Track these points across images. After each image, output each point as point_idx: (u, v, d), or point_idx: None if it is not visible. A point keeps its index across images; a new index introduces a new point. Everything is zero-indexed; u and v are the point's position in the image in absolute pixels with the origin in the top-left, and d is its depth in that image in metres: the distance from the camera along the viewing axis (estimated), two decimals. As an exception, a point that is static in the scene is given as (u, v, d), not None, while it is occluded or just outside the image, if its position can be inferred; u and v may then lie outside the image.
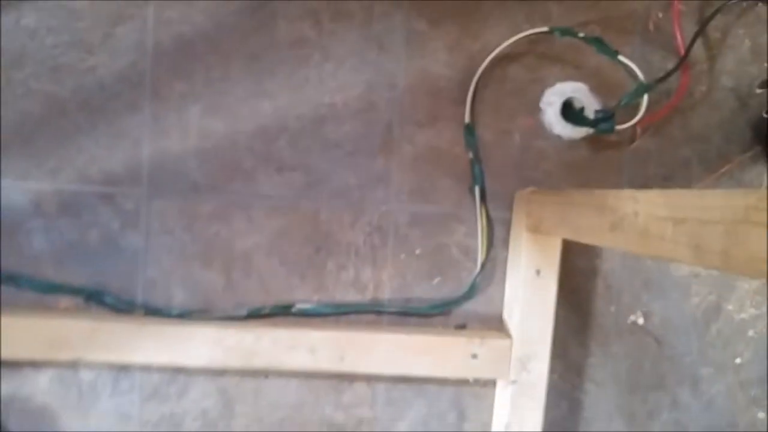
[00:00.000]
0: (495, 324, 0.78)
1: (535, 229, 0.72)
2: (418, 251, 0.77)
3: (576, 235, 0.60)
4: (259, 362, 0.71)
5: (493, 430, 0.77)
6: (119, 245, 0.74)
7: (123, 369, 0.75)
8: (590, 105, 0.77)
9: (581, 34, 0.75)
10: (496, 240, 0.78)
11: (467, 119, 0.77)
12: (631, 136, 0.79)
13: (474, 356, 0.73)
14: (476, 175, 0.77)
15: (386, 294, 0.77)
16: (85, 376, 0.75)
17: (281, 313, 0.75)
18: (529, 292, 0.73)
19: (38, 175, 0.74)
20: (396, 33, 0.77)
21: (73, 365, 0.74)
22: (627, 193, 0.50)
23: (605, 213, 0.52)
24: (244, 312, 0.74)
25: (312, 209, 0.76)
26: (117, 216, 0.74)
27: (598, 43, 0.75)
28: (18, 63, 0.72)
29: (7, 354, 0.69)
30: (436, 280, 0.78)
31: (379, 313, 0.77)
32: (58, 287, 0.74)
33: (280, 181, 0.76)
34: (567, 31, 0.75)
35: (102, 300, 0.74)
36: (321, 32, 0.76)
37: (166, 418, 0.76)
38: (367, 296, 0.77)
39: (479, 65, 0.77)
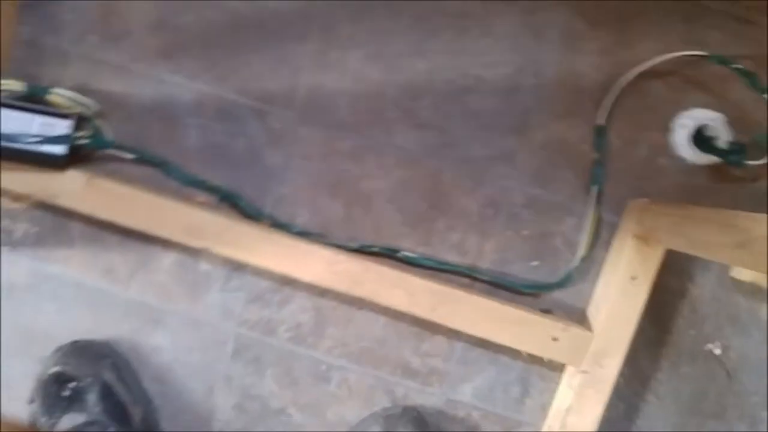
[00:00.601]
0: (577, 317, 0.82)
1: (642, 238, 0.75)
2: (525, 232, 0.82)
3: (692, 248, 0.64)
4: (360, 291, 0.77)
5: (552, 411, 0.82)
6: (261, 158, 0.82)
7: (238, 268, 0.83)
8: (723, 135, 0.79)
9: (737, 66, 0.77)
10: (600, 240, 0.81)
11: (601, 121, 0.80)
12: (755, 174, 0.81)
13: (555, 339, 0.77)
14: (597, 176, 0.80)
15: (485, 264, 0.82)
16: (203, 266, 0.83)
17: (387, 254, 0.81)
18: (620, 295, 0.76)
19: (205, 79, 0.82)
20: (555, 26, 0.81)
21: (197, 254, 0.82)
22: (760, 217, 0.53)
23: (733, 232, 0.55)
24: (355, 245, 0.80)
25: (437, 169, 0.81)
26: (265, 132, 0.81)
27: (751, 77, 0.77)
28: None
29: (147, 227, 0.78)
30: (534, 263, 0.82)
31: (473, 279, 0.82)
32: (200, 182, 0.82)
33: (415, 136, 0.81)
34: (723, 60, 0.77)
35: (235, 202, 0.81)
36: (486, 10, 0.80)
37: (263, 323, 0.83)
38: (466, 261, 0.82)
39: (625, 74, 0.80)
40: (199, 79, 0.82)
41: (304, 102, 0.81)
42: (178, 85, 0.82)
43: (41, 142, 0.76)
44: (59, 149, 0.76)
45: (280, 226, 0.81)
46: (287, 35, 0.81)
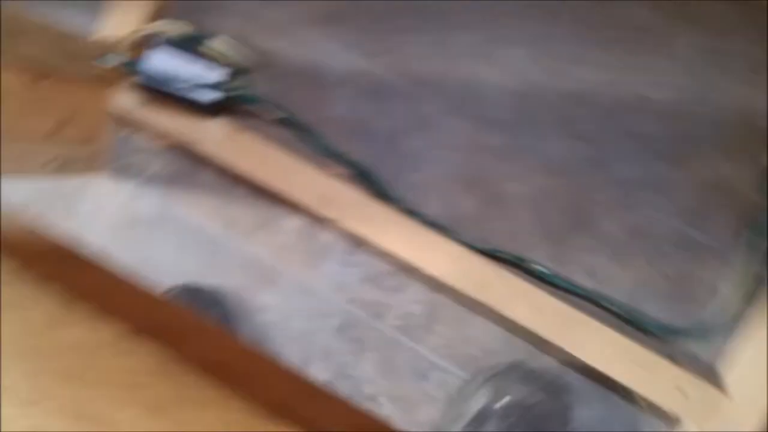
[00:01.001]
0: (704, 371, 0.75)
1: (802, 302, 0.68)
2: (667, 270, 0.76)
3: None
4: (482, 295, 0.73)
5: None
6: (402, 141, 0.79)
7: (359, 245, 0.81)
8: None
9: None
10: (749, 294, 0.74)
11: (775, 167, 0.73)
12: None
13: (681, 391, 0.71)
14: (762, 226, 0.73)
15: (615, 293, 0.77)
16: (326, 237, 0.82)
17: (516, 263, 0.77)
18: (764, 359, 0.69)
19: (360, 52, 0.80)
20: (740, 56, 0.74)
21: (323, 223, 0.81)
22: None
23: None
24: (485, 246, 0.77)
25: (584, 184, 0.76)
26: (412, 115, 0.79)
27: None
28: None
29: (280, 188, 0.77)
30: (670, 304, 0.76)
31: (600, 306, 0.77)
32: (338, 154, 0.80)
33: (567, 146, 0.76)
34: None
35: (370, 181, 0.79)
36: (669, 27, 0.74)
37: (373, 305, 0.81)
38: (596, 285, 0.77)
39: (813, 121, 0.72)
40: (354, 51, 0.80)
41: (457, 92, 0.78)
42: (332, 53, 0.80)
43: (195, 87, 0.76)
44: (210, 96, 0.76)
45: (410, 212, 0.78)
46: (450, 22, 0.78)
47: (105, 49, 0.73)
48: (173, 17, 0.79)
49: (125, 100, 0.78)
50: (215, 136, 0.78)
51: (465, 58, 0.77)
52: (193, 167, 0.83)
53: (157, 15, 0.78)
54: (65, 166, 0.75)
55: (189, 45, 0.78)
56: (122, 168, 0.84)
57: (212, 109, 0.77)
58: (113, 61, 0.73)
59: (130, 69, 0.74)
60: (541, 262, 0.77)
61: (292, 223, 0.82)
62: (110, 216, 0.85)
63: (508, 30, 0.76)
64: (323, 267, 0.82)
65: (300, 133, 0.80)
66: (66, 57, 0.67)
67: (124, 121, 0.82)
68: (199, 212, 0.84)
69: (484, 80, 0.77)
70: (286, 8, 0.80)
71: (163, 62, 0.75)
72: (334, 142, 0.80)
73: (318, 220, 0.80)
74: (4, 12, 0.56)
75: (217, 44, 0.78)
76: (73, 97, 0.71)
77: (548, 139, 0.77)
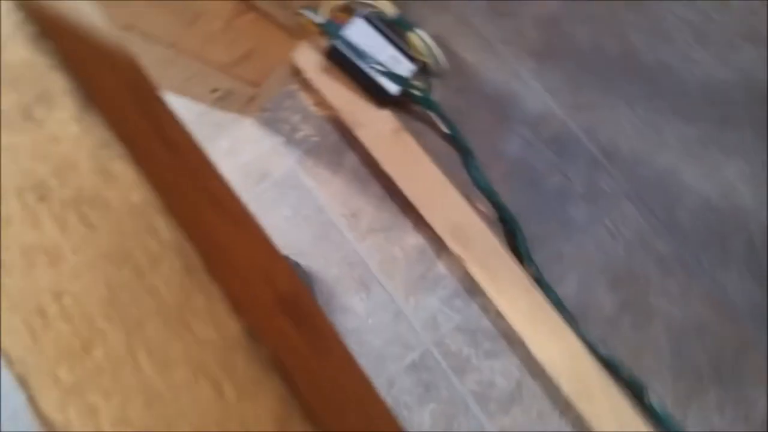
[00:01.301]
0: None
1: None
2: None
3: None
4: (579, 403, 0.65)
5: None
6: (565, 204, 0.71)
7: (472, 292, 0.74)
8: None
9: None
10: None
11: None
12: None
13: None
14: None
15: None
16: (440, 267, 0.75)
17: (632, 386, 0.67)
18: None
19: (561, 98, 0.73)
20: None
21: (444, 254, 0.75)
22: None
23: None
24: (607, 354, 0.68)
25: (752, 341, 0.66)
26: (587, 183, 0.71)
27: None
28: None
29: (418, 202, 0.71)
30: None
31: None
32: (491, 193, 0.73)
33: (749, 290, 0.67)
34: None
35: (513, 232, 0.72)
36: None
37: (458, 358, 0.74)
38: (710, 445, 0.67)
39: None
40: (553, 95, 0.73)
41: (646, 179, 0.69)
42: (529, 89, 0.73)
43: (381, 72, 0.71)
44: (392, 87, 0.72)
45: (541, 282, 0.70)
46: (671, 113, 0.69)
47: (313, 1, 0.70)
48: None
49: (309, 57, 0.75)
50: (377, 127, 0.73)
51: (670, 149, 0.69)
52: (342, 147, 0.79)
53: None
54: (225, 98, 0.73)
55: (388, 27, 0.74)
56: (274, 120, 0.81)
57: (385, 98, 0.73)
58: (317, 17, 0.70)
59: (328, 30, 0.70)
60: (661, 398, 0.67)
61: (415, 240, 0.76)
62: (243, 161, 0.82)
63: (728, 137, 0.67)
64: (425, 297, 0.75)
65: (462, 156, 0.74)
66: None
67: (298, 76, 0.79)
68: (328, 193, 0.80)
69: (682, 180, 0.68)
70: (502, 27, 0.74)
71: (361, 36, 0.71)
72: (493, 179, 0.74)
73: (442, 248, 0.74)
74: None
75: (416, 37, 0.73)
76: (263, 37, 0.68)
77: (728, 271, 0.67)
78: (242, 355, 0.16)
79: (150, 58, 0.58)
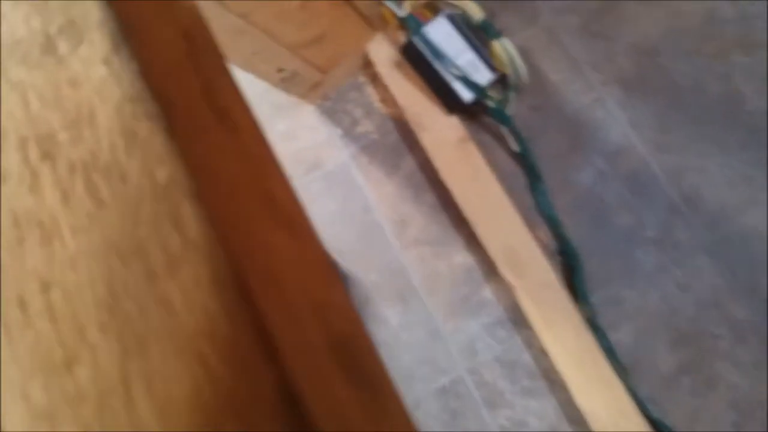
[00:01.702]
0: None
1: None
2: None
3: None
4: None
5: None
6: (633, 248, 0.65)
7: (516, 324, 0.68)
8: None
9: None
10: None
11: None
12: None
13: None
14: None
15: None
16: (487, 293, 0.70)
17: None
18: None
19: (648, 136, 0.66)
20: None
21: (492, 278, 0.69)
22: None
23: None
24: (658, 417, 0.61)
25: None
26: (662, 228, 0.64)
27: None
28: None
29: (473, 219, 0.66)
30: None
31: None
32: (554, 222, 0.67)
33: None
34: None
35: (572, 267, 0.66)
36: None
37: (492, 389, 0.68)
38: None
39: None
40: (638, 129, 0.66)
41: (730, 236, 0.62)
42: (613, 119, 0.67)
43: (457, 77, 0.66)
44: (466, 94, 0.66)
45: (594, 325, 0.64)
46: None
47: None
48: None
49: (382, 50, 0.70)
50: (442, 133, 0.68)
51: (762, 208, 0.62)
52: (401, 149, 0.74)
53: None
54: (290, 80, 0.69)
55: (471, 31, 0.68)
56: (336, 111, 0.77)
57: (457, 105, 0.68)
58: (399, 10, 0.65)
59: (408, 25, 0.65)
60: (711, 473, 0.60)
61: (464, 259, 0.71)
62: (297, 147, 0.78)
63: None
64: (466, 321, 0.70)
65: (529, 178, 0.68)
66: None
67: (368, 69, 0.75)
68: (379, 194, 0.75)
69: None
70: (592, 48, 0.68)
71: (442, 36, 0.66)
72: (558, 207, 0.67)
73: (491, 272, 0.69)
74: None
75: (499, 46, 0.68)
76: (339, 22, 0.64)
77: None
78: (271, 417, 0.11)
79: (218, 24, 0.54)
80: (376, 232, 0.74)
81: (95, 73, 0.14)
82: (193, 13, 0.19)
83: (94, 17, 0.14)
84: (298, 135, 0.79)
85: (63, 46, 0.14)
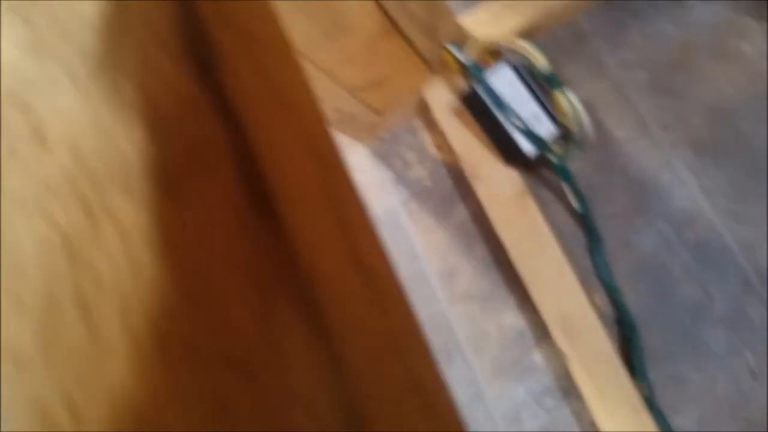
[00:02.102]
0: None
1: None
2: None
3: None
4: None
5: None
6: (700, 326, 0.60)
7: (567, 393, 0.63)
8: None
9: None
10: None
11: None
12: None
13: None
14: None
15: None
16: (537, 358, 0.65)
17: None
18: None
19: (723, 205, 0.62)
20: None
21: (544, 342, 0.64)
22: None
23: None
24: None
25: None
26: (730, 308, 0.59)
27: None
28: None
29: (528, 279, 0.62)
30: None
31: None
32: (613, 289, 0.63)
33: None
34: None
35: (629, 337, 0.61)
36: None
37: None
38: None
39: None
40: (711, 197, 0.62)
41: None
42: (683, 183, 0.63)
43: (519, 129, 0.62)
44: (528, 148, 0.63)
45: (652, 405, 0.59)
46: None
47: (461, 37, 0.63)
48: (540, 44, 0.67)
49: (441, 95, 0.67)
50: (499, 186, 0.65)
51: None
52: (454, 197, 0.71)
53: (528, 32, 0.66)
54: (345, 121, 0.66)
55: (535, 81, 0.65)
56: (388, 153, 0.74)
57: (517, 158, 0.64)
58: (462, 55, 0.62)
59: (471, 72, 0.62)
60: None
61: (514, 320, 0.66)
62: (346, 189, 0.75)
63: None
64: (512, 386, 0.65)
65: (588, 239, 0.64)
66: (423, 25, 0.57)
67: (423, 113, 0.72)
68: (428, 242, 0.71)
69: None
70: (662, 107, 0.64)
71: (504, 85, 0.63)
72: (618, 273, 0.63)
73: (543, 336, 0.64)
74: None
75: (564, 99, 0.64)
76: (400, 65, 0.61)
77: None
78: None
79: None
80: (423, 283, 0.70)
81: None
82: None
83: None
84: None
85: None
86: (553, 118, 0.65)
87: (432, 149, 0.73)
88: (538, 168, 0.67)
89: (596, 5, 0.68)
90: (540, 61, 0.65)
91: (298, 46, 0.50)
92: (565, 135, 0.66)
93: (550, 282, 0.62)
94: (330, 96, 0.60)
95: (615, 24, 0.68)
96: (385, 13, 0.52)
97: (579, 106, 0.64)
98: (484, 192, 0.65)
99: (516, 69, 0.65)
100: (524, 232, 0.63)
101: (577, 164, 0.66)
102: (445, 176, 0.72)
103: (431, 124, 0.72)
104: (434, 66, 0.65)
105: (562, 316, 0.61)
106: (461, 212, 0.71)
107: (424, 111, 0.72)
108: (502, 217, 0.64)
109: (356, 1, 0.48)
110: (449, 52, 0.63)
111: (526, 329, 0.66)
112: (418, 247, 0.71)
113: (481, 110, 0.63)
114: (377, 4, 0.50)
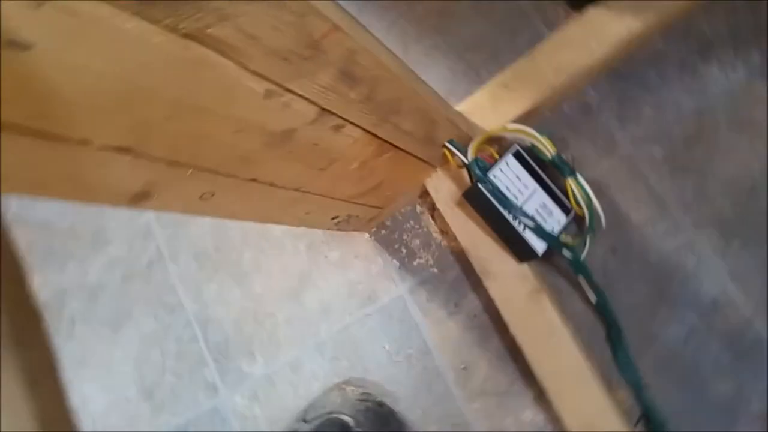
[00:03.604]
0: None
1: None
2: None
3: None
4: None
5: None
6: (736, 427, 0.54)
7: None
8: None
9: None
10: None
11: None
12: None
13: None
14: None
15: None
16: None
17: None
18: None
19: (753, 288, 0.56)
20: None
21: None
22: None
23: None
24: None
25: None
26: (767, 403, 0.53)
27: None
28: None
29: (543, 377, 0.57)
30: None
31: None
32: (636, 382, 0.58)
33: None
34: None
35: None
36: None
37: None
38: None
39: None
40: (743, 283, 0.56)
41: None
42: (709, 269, 0.57)
43: (528, 227, 0.57)
44: (538, 246, 0.57)
45: None
46: None
47: (460, 134, 0.57)
48: (546, 121, 0.61)
49: (443, 186, 0.62)
50: (511, 284, 0.59)
51: None
52: (463, 286, 0.66)
53: (530, 112, 0.60)
54: (345, 222, 0.61)
55: (542, 168, 0.59)
56: (392, 241, 0.69)
57: (529, 255, 0.58)
58: (463, 155, 0.56)
59: (473, 171, 0.56)
60: None
61: (533, 415, 0.61)
62: (350, 278, 0.70)
63: None
64: None
65: (608, 332, 0.59)
66: (420, 137, 0.52)
67: (426, 198, 0.66)
68: (439, 335, 0.66)
69: None
70: (682, 184, 0.58)
71: (510, 176, 0.57)
72: (643, 367, 0.57)
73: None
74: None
75: (575, 184, 0.58)
76: (398, 169, 0.56)
77: None
78: None
79: (270, 202, 0.46)
80: (436, 379, 0.65)
81: None
82: None
83: None
84: (352, 264, 0.71)
85: None
86: (564, 205, 0.59)
87: (437, 235, 0.67)
88: (552, 258, 0.61)
89: (602, 76, 0.62)
90: (547, 147, 0.59)
91: (294, 185, 0.45)
92: (578, 220, 0.60)
93: (568, 384, 0.57)
94: (328, 209, 0.54)
95: (623, 96, 0.61)
96: (377, 137, 0.46)
97: (590, 193, 0.58)
98: (495, 290, 0.60)
99: (521, 158, 0.59)
100: (541, 331, 0.58)
101: (592, 252, 0.60)
102: (452, 263, 0.67)
103: (434, 209, 0.66)
104: (435, 163, 0.59)
105: (584, 420, 0.56)
106: (473, 302, 0.65)
107: (425, 196, 0.66)
108: (517, 318, 0.58)
109: (342, 136, 0.43)
110: (450, 150, 0.57)
111: (545, 424, 0.61)
112: (429, 340, 0.66)
113: (485, 207, 0.58)
114: (367, 133, 0.45)
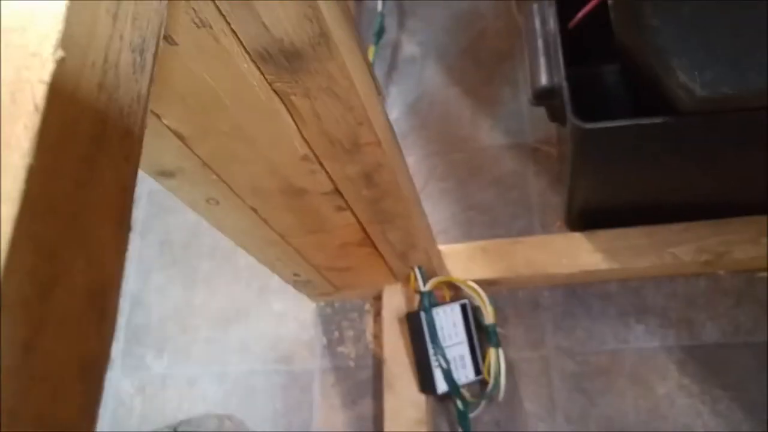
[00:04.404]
0: None
1: None
2: None
3: None
4: None
5: None
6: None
7: None
8: None
9: None
10: None
11: None
12: None
13: None
14: None
15: None
16: None
17: None
18: None
19: None
20: None
21: None
22: None
23: None
24: None
25: None
26: None
27: None
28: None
29: None
30: None
31: None
32: None
33: None
34: None
35: None
36: None
37: None
38: None
39: None
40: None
41: None
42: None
43: (441, 367, 0.63)
44: (440, 385, 0.63)
45: None
46: None
47: (429, 266, 0.65)
48: (498, 296, 0.69)
49: (395, 300, 0.69)
50: (405, 407, 0.65)
51: None
52: (367, 389, 0.71)
53: (490, 284, 0.68)
54: (303, 283, 0.68)
55: (477, 328, 0.67)
56: (330, 321, 0.75)
57: (429, 389, 0.64)
58: (422, 283, 0.64)
59: (422, 299, 0.64)
60: None
61: None
62: (279, 333, 0.75)
63: None
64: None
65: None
66: (398, 250, 0.59)
67: (376, 304, 0.73)
68: (326, 419, 0.70)
69: None
70: (573, 404, 0.65)
71: (448, 323, 0.65)
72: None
73: None
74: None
75: (495, 355, 0.66)
76: (369, 266, 0.63)
77: None
78: None
79: (255, 234, 0.53)
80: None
81: None
82: None
83: None
84: (288, 323, 0.76)
85: None
86: (477, 366, 0.65)
87: (369, 336, 0.73)
88: (447, 401, 0.67)
89: (560, 287, 0.71)
90: (489, 315, 0.67)
91: (281, 230, 0.52)
92: (482, 384, 0.66)
93: None
94: (296, 265, 0.61)
95: (567, 311, 0.70)
96: (365, 232, 0.54)
97: (502, 368, 0.65)
98: (390, 404, 0.65)
99: (464, 312, 0.67)
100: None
101: (480, 416, 0.65)
102: (369, 365, 0.72)
103: (377, 315, 0.73)
104: (399, 277, 0.67)
105: None
106: (367, 406, 0.70)
107: (377, 300, 0.73)
108: (394, 435, 0.63)
109: (340, 216, 0.51)
110: (414, 274, 0.65)
111: None
112: (316, 421, 0.70)
113: (417, 333, 0.64)
114: (360, 224, 0.52)
